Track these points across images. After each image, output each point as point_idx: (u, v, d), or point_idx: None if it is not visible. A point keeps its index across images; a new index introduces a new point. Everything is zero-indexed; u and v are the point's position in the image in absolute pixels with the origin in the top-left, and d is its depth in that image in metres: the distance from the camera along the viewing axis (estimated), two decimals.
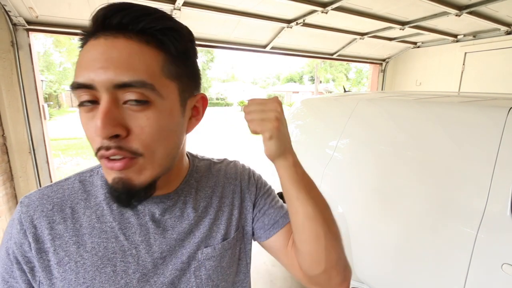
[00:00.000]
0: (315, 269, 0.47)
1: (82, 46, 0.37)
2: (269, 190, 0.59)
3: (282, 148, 0.47)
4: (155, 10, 0.37)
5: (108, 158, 0.36)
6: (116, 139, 0.35)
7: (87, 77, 0.34)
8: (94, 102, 0.36)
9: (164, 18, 0.38)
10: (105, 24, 0.35)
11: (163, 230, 0.44)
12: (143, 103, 0.36)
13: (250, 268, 0.57)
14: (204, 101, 0.47)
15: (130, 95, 0.35)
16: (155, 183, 0.41)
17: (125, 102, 0.35)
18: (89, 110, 0.36)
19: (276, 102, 0.46)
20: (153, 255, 0.43)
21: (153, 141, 0.37)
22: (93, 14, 0.37)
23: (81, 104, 0.36)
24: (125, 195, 0.38)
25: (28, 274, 0.40)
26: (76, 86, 0.35)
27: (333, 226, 0.49)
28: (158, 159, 0.39)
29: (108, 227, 0.42)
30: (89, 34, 0.37)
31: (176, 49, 0.39)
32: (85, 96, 0.35)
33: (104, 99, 0.34)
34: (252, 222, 0.55)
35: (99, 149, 0.36)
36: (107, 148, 0.35)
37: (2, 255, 0.41)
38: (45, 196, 0.43)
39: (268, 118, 0.44)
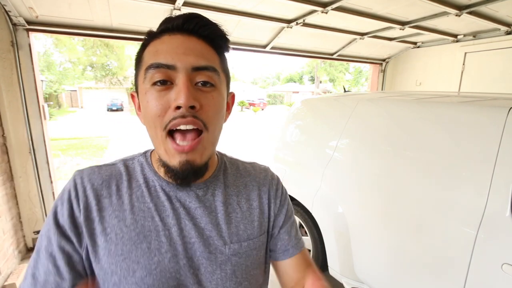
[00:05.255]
0: None
1: (150, 41, 0.46)
2: (292, 213, 0.62)
3: None
4: (215, 23, 0.47)
5: (178, 142, 0.42)
6: (192, 110, 0.42)
7: (169, 59, 0.42)
8: (166, 82, 0.42)
9: (221, 29, 0.47)
10: (183, 27, 0.45)
11: (192, 217, 0.48)
12: (211, 85, 0.45)
13: (269, 274, 0.60)
14: (233, 99, 0.56)
15: (202, 77, 0.44)
16: (207, 164, 0.48)
17: (196, 84, 0.44)
18: (162, 89, 0.42)
19: None
20: (183, 239, 0.47)
21: (214, 118, 0.45)
22: (169, 20, 0.45)
23: (154, 84, 0.43)
24: (193, 174, 0.45)
25: (76, 238, 0.44)
26: (156, 66, 0.42)
27: None
28: (214, 138, 0.47)
29: (145, 207, 0.47)
30: (164, 32, 0.45)
31: (226, 52, 0.50)
32: (159, 76, 0.42)
33: (183, 78, 0.42)
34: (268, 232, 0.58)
35: (173, 119, 0.42)
36: (184, 116, 0.41)
37: (50, 222, 0.45)
38: (96, 172, 0.49)
39: None
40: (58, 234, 0.43)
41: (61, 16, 2.12)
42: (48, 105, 15.37)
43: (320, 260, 1.90)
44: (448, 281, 1.13)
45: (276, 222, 0.58)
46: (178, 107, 0.41)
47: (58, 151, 6.96)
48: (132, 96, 0.51)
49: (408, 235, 1.31)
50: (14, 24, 2.03)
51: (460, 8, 2.33)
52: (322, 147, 1.88)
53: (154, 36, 0.46)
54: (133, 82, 0.50)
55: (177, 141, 0.43)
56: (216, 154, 0.58)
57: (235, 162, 0.60)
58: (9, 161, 2.12)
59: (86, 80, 22.11)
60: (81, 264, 0.44)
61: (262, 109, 24.37)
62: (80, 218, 0.44)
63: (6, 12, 1.94)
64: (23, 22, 2.04)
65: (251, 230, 0.52)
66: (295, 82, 39.87)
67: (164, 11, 2.20)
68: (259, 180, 0.58)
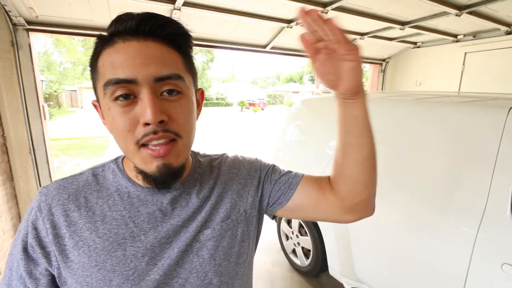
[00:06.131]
0: (361, 196, 0.54)
1: (103, 48, 0.41)
2: (274, 167, 0.63)
3: (361, 80, 0.48)
4: (173, 20, 0.44)
5: (151, 147, 0.41)
6: (161, 124, 0.40)
7: (128, 73, 0.39)
8: (129, 96, 0.40)
9: (181, 26, 0.45)
10: (138, 30, 0.40)
11: (169, 218, 0.48)
12: (177, 93, 0.42)
13: (254, 250, 0.61)
14: (202, 95, 0.54)
15: (167, 86, 0.41)
16: (184, 165, 0.47)
17: (161, 94, 0.41)
18: (126, 104, 0.40)
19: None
20: (160, 240, 0.47)
21: (187, 125, 0.44)
22: (120, 20, 0.41)
23: (115, 99, 0.40)
24: (171, 177, 0.44)
25: (44, 259, 0.44)
26: (116, 82, 0.39)
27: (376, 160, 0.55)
28: (189, 142, 0.46)
29: (118, 215, 0.46)
30: (116, 36, 0.41)
31: (189, 50, 0.47)
32: (121, 91, 0.39)
33: (147, 91, 0.39)
34: (265, 200, 0.59)
35: (144, 136, 0.40)
36: (155, 132, 0.40)
37: (17, 246, 0.44)
38: (61, 186, 0.48)
39: (352, 43, 0.43)
40: (25, 258, 0.43)
41: (61, 16, 2.12)
42: (48, 105, 15.35)
43: (320, 260, 1.90)
44: (448, 281, 1.13)
45: (266, 182, 0.59)
46: (147, 123, 0.39)
47: (58, 151, 6.96)
48: (95, 105, 0.47)
49: (408, 235, 1.30)
50: (14, 24, 2.03)
51: (460, 8, 2.33)
52: (322, 147, 1.88)
53: (106, 42, 0.41)
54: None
55: (151, 147, 0.41)
56: (190, 154, 0.58)
57: (208, 159, 0.60)
58: (9, 161, 2.12)
59: (86, 80, 22.11)
60: (53, 285, 0.44)
61: (262, 109, 24.38)
62: (48, 237, 0.43)
63: (6, 12, 1.94)
64: (23, 22, 2.04)
65: (224, 212, 0.53)
66: (295, 82, 39.90)
67: (164, 11, 2.20)
68: (229, 165, 0.59)
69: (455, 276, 1.10)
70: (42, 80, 2.76)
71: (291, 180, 0.58)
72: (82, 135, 9.30)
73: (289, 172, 0.61)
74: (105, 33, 0.43)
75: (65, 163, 5.99)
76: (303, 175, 0.60)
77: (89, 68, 0.45)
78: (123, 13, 0.42)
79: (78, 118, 15.67)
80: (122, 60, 0.39)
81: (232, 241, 0.53)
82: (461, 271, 1.08)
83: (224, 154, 0.64)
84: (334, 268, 1.70)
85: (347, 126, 0.52)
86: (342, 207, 0.55)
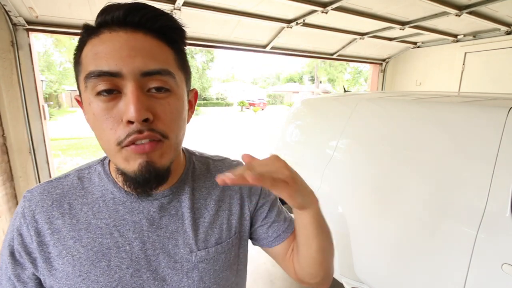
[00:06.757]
0: (311, 279, 0.54)
1: (88, 38, 0.38)
2: (273, 202, 0.59)
3: (307, 196, 0.46)
4: (166, 12, 0.41)
5: (135, 143, 0.37)
6: (146, 123, 0.37)
7: (113, 65, 0.35)
8: (113, 91, 0.36)
9: (174, 19, 0.41)
10: (126, 20, 0.37)
11: (156, 228, 0.46)
12: (165, 90, 0.39)
13: (245, 272, 0.58)
14: (196, 95, 0.51)
15: (155, 83, 0.38)
16: (169, 168, 0.43)
17: (148, 90, 0.38)
18: (109, 99, 0.37)
19: (277, 160, 0.41)
20: (146, 252, 0.44)
21: (174, 125, 0.41)
22: (108, 10, 0.38)
23: (98, 94, 0.37)
24: (154, 179, 0.40)
25: (31, 264, 0.42)
26: (98, 74, 0.36)
27: (332, 248, 0.54)
28: (175, 143, 0.42)
29: (103, 223, 0.44)
30: (103, 27, 0.38)
31: (182, 46, 0.44)
32: (104, 85, 0.36)
33: (132, 86, 0.36)
34: (251, 228, 0.57)
35: (128, 136, 0.36)
36: (140, 131, 0.36)
37: (5, 248, 0.44)
38: (46, 191, 0.45)
39: (280, 175, 0.40)
40: (12, 262, 0.42)
41: (61, 16, 2.12)
42: (48, 105, 15.33)
43: None
44: (448, 281, 1.13)
45: (257, 217, 0.56)
46: (131, 122, 0.36)
47: (58, 151, 6.96)
48: (78, 101, 0.44)
49: (408, 235, 1.30)
50: (14, 24, 2.03)
51: (460, 8, 2.33)
52: (322, 147, 1.88)
53: (92, 32, 0.38)
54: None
55: (135, 142, 0.37)
56: (184, 153, 0.54)
57: (205, 161, 0.56)
58: (9, 161, 2.12)
59: None
60: (40, 287, 0.44)
61: (262, 109, 24.37)
62: (33, 244, 0.42)
63: (6, 12, 1.94)
64: (23, 22, 2.04)
65: (219, 234, 0.50)
66: (295, 82, 39.87)
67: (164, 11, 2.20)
68: None
69: (455, 276, 1.10)
70: (42, 80, 2.76)
71: (281, 232, 0.56)
72: (82, 135, 9.29)
73: (284, 219, 0.58)
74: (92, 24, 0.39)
75: (65, 163, 5.99)
76: (293, 230, 0.57)
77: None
78: (111, 3, 0.38)
79: (78, 118, 15.66)
80: (107, 51, 0.36)
81: (225, 264, 0.50)
82: (461, 271, 1.08)
83: (226, 158, 0.59)
84: (334, 268, 1.69)
85: (297, 228, 0.51)
86: (296, 277, 0.57)
